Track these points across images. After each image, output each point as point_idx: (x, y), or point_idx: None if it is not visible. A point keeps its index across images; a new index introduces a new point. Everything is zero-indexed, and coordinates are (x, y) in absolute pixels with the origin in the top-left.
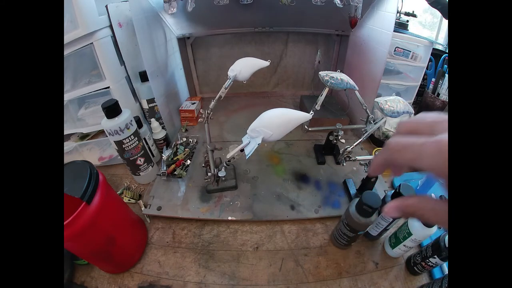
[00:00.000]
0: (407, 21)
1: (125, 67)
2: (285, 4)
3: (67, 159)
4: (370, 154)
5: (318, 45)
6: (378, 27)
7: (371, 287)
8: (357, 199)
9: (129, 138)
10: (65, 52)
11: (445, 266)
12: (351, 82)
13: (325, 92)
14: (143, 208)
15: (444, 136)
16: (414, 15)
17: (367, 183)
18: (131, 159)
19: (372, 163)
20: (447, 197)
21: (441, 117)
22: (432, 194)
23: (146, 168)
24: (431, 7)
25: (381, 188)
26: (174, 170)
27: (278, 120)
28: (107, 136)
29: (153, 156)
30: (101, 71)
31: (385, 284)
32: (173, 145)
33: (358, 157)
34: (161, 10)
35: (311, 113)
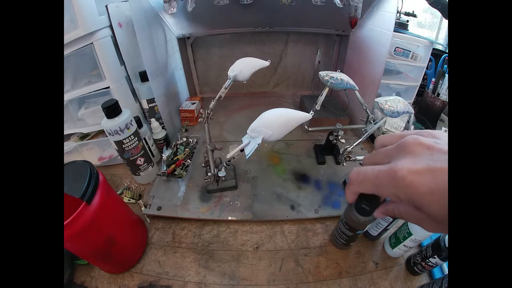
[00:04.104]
0: (407, 21)
1: (125, 67)
2: (285, 4)
3: (67, 159)
4: None
5: (318, 45)
6: (378, 27)
7: (371, 287)
8: (352, 205)
9: (129, 138)
10: (65, 52)
11: (445, 266)
12: (351, 82)
13: (325, 92)
14: (143, 208)
15: (395, 165)
16: (414, 15)
17: None
18: (131, 159)
19: (346, 194)
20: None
21: (394, 140)
22: None
23: (146, 168)
24: (431, 7)
25: None
26: (174, 170)
27: (278, 120)
28: (107, 136)
29: (153, 156)
30: (101, 71)
31: (385, 284)
32: (173, 145)
33: (358, 157)
34: (161, 10)
35: (311, 113)
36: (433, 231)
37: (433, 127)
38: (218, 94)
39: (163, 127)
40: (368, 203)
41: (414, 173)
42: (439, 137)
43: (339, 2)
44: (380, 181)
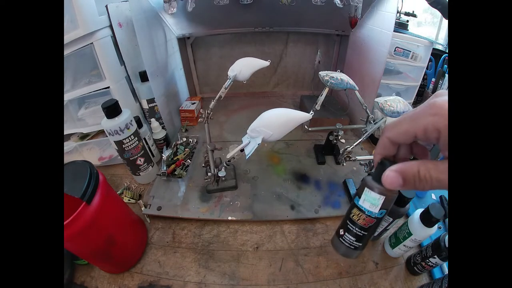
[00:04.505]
0: (407, 21)
1: (125, 67)
2: (285, 4)
3: (67, 159)
4: (370, 154)
5: (318, 45)
6: (378, 27)
7: (371, 287)
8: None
9: (129, 138)
10: (65, 52)
11: (445, 266)
12: (351, 82)
13: (325, 92)
14: (143, 208)
15: (435, 100)
16: (414, 15)
17: None
18: (131, 159)
19: (376, 149)
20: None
21: None
22: (432, 194)
23: (146, 168)
24: (431, 7)
25: None
26: (174, 170)
27: (278, 120)
28: (107, 136)
29: (153, 156)
30: (101, 71)
31: (385, 284)
32: (173, 145)
33: (358, 157)
34: (161, 10)
35: (311, 113)
36: None
37: None
38: (218, 94)
39: (163, 127)
40: (388, 161)
41: None
42: None
43: (339, 2)
44: (418, 114)
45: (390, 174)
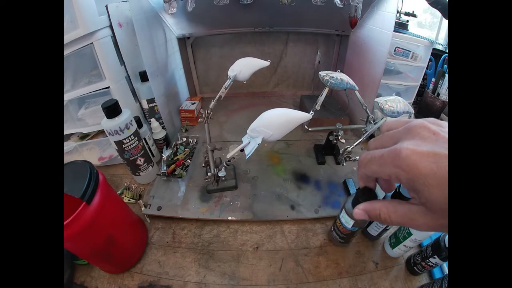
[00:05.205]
0: (407, 21)
1: (125, 67)
2: (285, 4)
3: (67, 159)
4: None
5: (318, 45)
6: (378, 27)
7: (371, 287)
8: (354, 195)
9: (129, 138)
10: (65, 52)
11: (445, 266)
12: (351, 82)
13: (325, 92)
14: (143, 208)
15: (400, 145)
16: (414, 15)
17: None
18: (131, 159)
19: (358, 179)
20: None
21: (400, 124)
22: None
23: (146, 168)
24: (431, 7)
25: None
26: (174, 170)
27: (278, 120)
28: (107, 136)
29: (153, 156)
30: (101, 71)
31: (385, 284)
32: (173, 145)
33: (358, 157)
34: (161, 10)
35: (311, 113)
36: (426, 226)
37: None
38: (218, 94)
39: (163, 127)
40: (362, 196)
41: (418, 154)
42: (444, 126)
43: (339, 2)
44: (384, 160)
45: (358, 212)
